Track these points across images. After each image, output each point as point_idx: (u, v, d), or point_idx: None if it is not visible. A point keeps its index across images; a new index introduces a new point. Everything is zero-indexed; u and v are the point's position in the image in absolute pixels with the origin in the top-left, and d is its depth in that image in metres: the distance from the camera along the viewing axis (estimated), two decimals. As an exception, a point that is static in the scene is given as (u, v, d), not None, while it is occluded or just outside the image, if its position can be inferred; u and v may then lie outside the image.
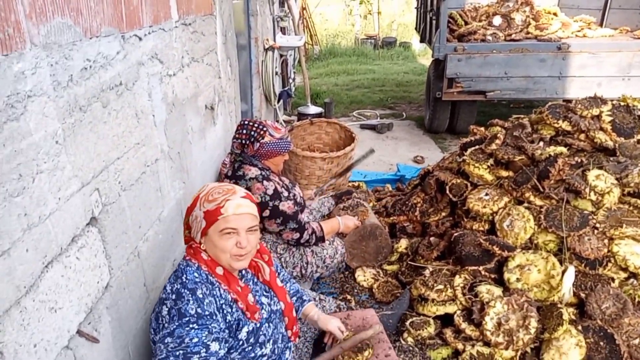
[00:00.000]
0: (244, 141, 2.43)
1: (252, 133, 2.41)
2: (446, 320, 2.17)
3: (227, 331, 1.47)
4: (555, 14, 5.45)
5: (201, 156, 2.55)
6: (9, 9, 1.00)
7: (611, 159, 2.23)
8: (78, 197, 1.31)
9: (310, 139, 4.01)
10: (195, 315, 1.37)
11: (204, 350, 1.36)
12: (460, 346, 1.97)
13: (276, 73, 5.20)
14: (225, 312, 1.47)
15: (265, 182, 2.35)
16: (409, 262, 2.55)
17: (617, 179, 2.14)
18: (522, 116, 2.72)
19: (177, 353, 1.33)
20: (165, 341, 1.35)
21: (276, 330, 1.63)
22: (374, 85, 9.04)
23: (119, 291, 1.57)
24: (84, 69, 1.32)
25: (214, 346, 1.38)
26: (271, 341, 1.58)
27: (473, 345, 1.94)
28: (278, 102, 5.44)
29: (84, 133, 1.34)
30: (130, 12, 1.60)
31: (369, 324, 2.00)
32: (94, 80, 1.38)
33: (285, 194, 2.43)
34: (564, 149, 2.30)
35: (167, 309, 1.39)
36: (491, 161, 2.48)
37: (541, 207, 2.19)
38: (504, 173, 2.43)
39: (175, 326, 1.35)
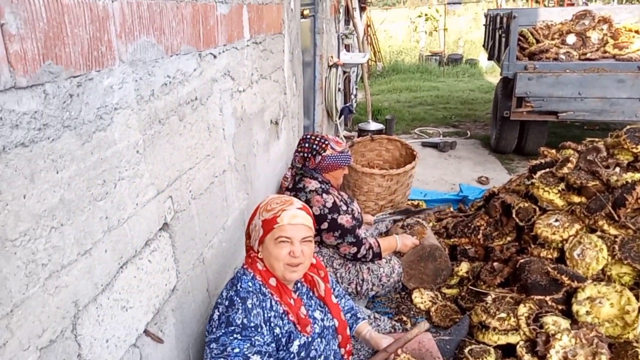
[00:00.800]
0: (305, 154, 2.50)
1: (314, 146, 2.48)
2: (507, 351, 2.07)
3: (273, 345, 1.48)
4: (637, 32, 5.12)
5: (264, 169, 2.63)
6: (104, 29, 1.11)
7: (698, 189, 2.05)
8: (153, 203, 1.40)
9: (371, 155, 4.01)
10: (241, 326, 1.41)
11: None
12: (522, 379, 1.87)
13: (339, 89, 5.27)
14: (273, 324, 1.50)
15: (324, 195, 2.38)
16: (470, 287, 2.47)
17: None
18: (596, 139, 2.57)
19: None
20: (211, 346, 1.41)
21: (328, 347, 1.63)
22: (438, 102, 8.89)
23: (184, 295, 1.64)
24: (164, 85, 1.41)
25: (255, 358, 1.41)
26: (322, 357, 1.59)
27: (536, 379, 1.84)
28: (339, 118, 5.50)
29: (162, 144, 1.43)
30: (207, 32, 1.70)
31: (425, 347, 1.95)
32: (172, 95, 1.47)
33: (344, 207, 2.45)
34: (643, 176, 2.15)
35: (218, 314, 1.45)
36: (562, 185, 2.36)
37: (616, 236, 2.05)
38: (576, 199, 2.30)
39: (221, 333, 1.41)
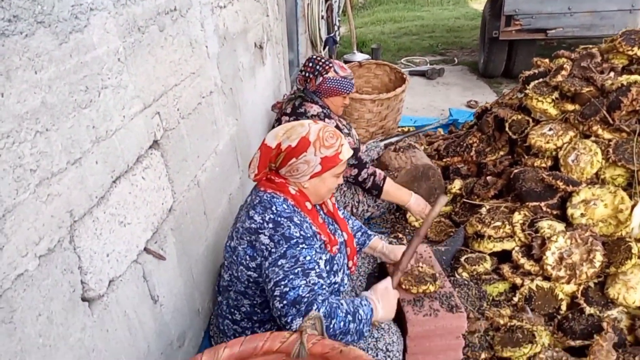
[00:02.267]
0: (308, 74, 2.40)
1: (317, 67, 2.38)
2: (503, 257, 2.12)
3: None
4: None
5: (252, 95, 2.55)
6: None
7: (693, 86, 2.04)
8: (141, 118, 1.34)
9: (359, 82, 3.91)
10: (302, 237, 1.41)
11: (317, 266, 1.40)
12: (518, 280, 1.93)
13: (322, 17, 5.06)
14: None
15: (326, 120, 2.32)
16: (464, 201, 2.49)
17: (699, 107, 1.96)
18: (591, 46, 2.52)
19: (296, 271, 1.36)
20: (279, 263, 1.37)
21: (344, 260, 1.66)
22: (423, 32, 8.65)
23: (181, 215, 1.62)
24: (141, -13, 1.31)
25: (322, 263, 1.45)
26: (342, 270, 1.61)
27: (532, 280, 1.89)
28: (324, 48, 5.33)
29: (143, 55, 1.35)
30: None
31: (423, 258, 1.99)
32: (150, 2, 1.38)
33: (346, 131, 2.41)
34: (638, 78, 2.12)
35: (266, 237, 1.41)
36: (556, 94, 2.33)
37: (610, 140, 2.05)
38: (570, 107, 2.28)
39: (285, 248, 1.38)
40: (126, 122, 1.26)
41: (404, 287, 1.77)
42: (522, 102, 2.53)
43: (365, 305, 1.45)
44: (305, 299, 1.32)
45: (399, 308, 1.66)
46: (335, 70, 2.38)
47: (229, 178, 2.14)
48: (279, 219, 1.42)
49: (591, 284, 1.82)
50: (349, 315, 1.38)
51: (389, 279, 1.63)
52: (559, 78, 2.31)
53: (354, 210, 2.57)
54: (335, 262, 1.57)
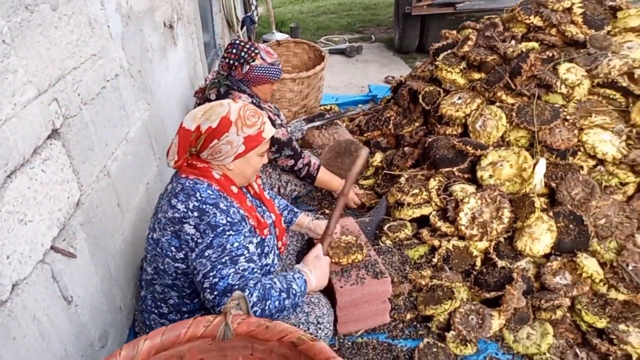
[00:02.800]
0: (232, 61, 2.24)
1: (243, 54, 2.22)
2: (423, 222, 2.22)
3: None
4: None
5: (164, 77, 2.44)
6: None
7: (581, 51, 2.22)
8: (36, 105, 1.23)
9: (279, 61, 3.86)
10: (228, 224, 1.37)
11: (247, 251, 1.38)
12: (436, 242, 2.03)
13: (237, -4, 4.93)
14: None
15: None
16: (385, 172, 2.57)
17: (587, 71, 2.15)
18: (494, 16, 2.66)
19: (224, 259, 1.33)
20: (206, 254, 1.34)
21: (274, 241, 1.65)
22: (341, 10, 8.71)
23: (91, 209, 1.53)
24: (20, -39, 1.19)
25: (251, 247, 1.42)
26: (272, 251, 1.60)
27: (449, 241, 2.00)
28: (241, 28, 5.20)
29: (34, 36, 1.24)
30: None
31: (348, 230, 2.03)
32: (34, -23, 1.26)
33: (278, 121, 2.35)
34: (535, 45, 2.28)
35: (191, 226, 1.36)
36: (463, 64, 2.45)
37: (513, 104, 2.20)
38: (477, 75, 2.41)
39: (211, 238, 1.34)
40: (18, 111, 1.16)
41: (333, 260, 1.81)
42: (433, 73, 2.63)
43: (298, 278, 1.47)
44: (236, 286, 1.31)
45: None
46: (262, 57, 2.25)
47: (144, 166, 2.05)
48: (204, 206, 1.37)
49: (501, 239, 1.96)
50: (282, 293, 1.39)
51: (318, 246, 1.66)
52: (466, 48, 2.42)
53: (281, 191, 2.57)
54: (266, 244, 1.57)
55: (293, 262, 2.08)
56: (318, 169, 2.42)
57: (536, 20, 2.36)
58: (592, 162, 2.02)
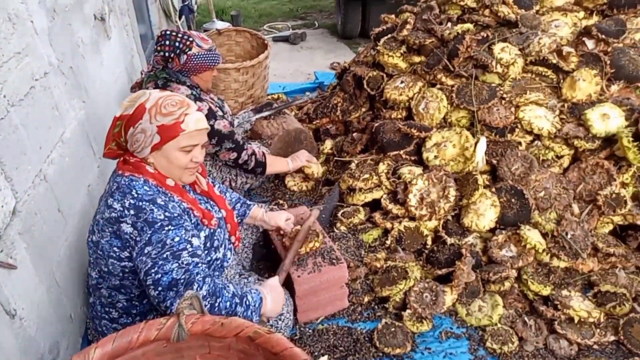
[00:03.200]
0: (167, 53, 2.14)
1: (177, 44, 2.13)
2: (375, 206, 2.26)
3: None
4: None
5: (99, 73, 2.33)
6: None
7: (514, 30, 2.32)
8: (-47, 110, 1.14)
9: (221, 51, 3.77)
10: (167, 219, 1.33)
11: (189, 245, 1.34)
12: (389, 225, 2.08)
13: (173, -15, 4.75)
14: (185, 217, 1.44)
15: (198, 103, 2.15)
16: (336, 159, 2.59)
17: (520, 49, 2.24)
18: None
19: (165, 255, 1.29)
20: (146, 251, 1.30)
21: (225, 235, 1.63)
22: (282, -4, 8.61)
23: (30, 216, 1.45)
24: None
25: (195, 241, 1.37)
26: (223, 245, 1.58)
27: (400, 222, 2.05)
28: (180, 19, 5.03)
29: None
30: None
31: (303, 220, 2.04)
32: (-60, -29, 1.16)
33: (220, 112, 2.29)
34: (470, 26, 2.35)
35: (129, 225, 1.32)
36: (404, 48, 2.49)
37: (452, 86, 2.27)
38: (417, 58, 2.46)
39: (149, 235, 1.30)
40: None
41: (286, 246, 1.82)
42: (375, 58, 2.66)
43: (254, 292, 1.44)
44: (182, 280, 1.29)
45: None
46: (198, 45, 2.17)
47: (84, 168, 1.96)
48: (140, 203, 1.33)
49: (449, 217, 2.04)
50: (235, 298, 1.36)
51: (275, 278, 1.63)
52: (405, 32, 2.46)
53: (232, 184, 2.53)
54: (215, 237, 1.55)
55: (249, 255, 2.07)
56: (264, 156, 2.41)
57: (470, 2, 2.43)
58: (529, 138, 2.12)
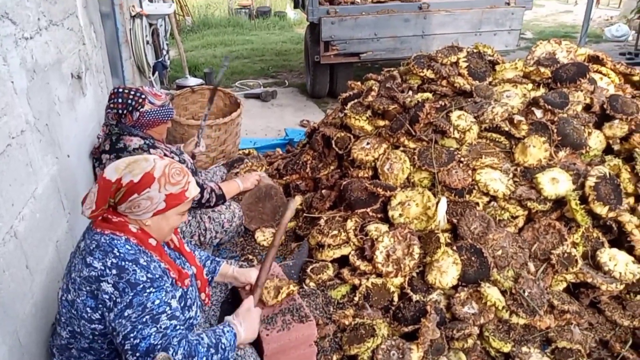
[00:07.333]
0: (120, 111, 2.24)
1: (130, 102, 2.24)
2: (343, 261, 2.32)
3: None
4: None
5: (73, 129, 2.36)
6: None
7: (469, 100, 2.53)
8: None
9: (194, 108, 3.89)
10: (149, 281, 1.34)
11: (168, 307, 1.34)
12: (356, 281, 2.14)
13: (147, 42, 4.90)
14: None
15: (152, 151, 2.23)
16: (305, 215, 2.66)
17: (475, 117, 2.44)
18: (392, 69, 2.93)
19: (145, 319, 1.29)
20: (126, 314, 1.29)
21: (196, 293, 1.64)
22: (254, 55, 8.93)
23: (-3, 274, 1.43)
24: None
25: (174, 302, 1.38)
26: (194, 303, 1.58)
27: (368, 279, 2.12)
28: (153, 74, 5.15)
29: None
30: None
31: (272, 275, 2.07)
32: None
33: (176, 158, 2.35)
34: (429, 95, 2.55)
35: (110, 285, 1.31)
36: (369, 112, 2.66)
37: (414, 149, 2.42)
38: (381, 122, 2.62)
39: (131, 297, 1.30)
40: None
41: (267, 303, 1.83)
42: (343, 120, 2.82)
43: (228, 332, 1.47)
44: (159, 346, 1.29)
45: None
46: (150, 102, 2.27)
47: (53, 224, 1.95)
48: (123, 262, 1.34)
49: (414, 274, 2.12)
50: (211, 349, 1.38)
51: (250, 298, 1.66)
52: (370, 98, 2.64)
53: (202, 239, 2.55)
54: (188, 296, 1.56)
55: (217, 314, 2.06)
56: (220, 188, 2.47)
57: (429, 73, 2.65)
58: (486, 199, 2.27)
